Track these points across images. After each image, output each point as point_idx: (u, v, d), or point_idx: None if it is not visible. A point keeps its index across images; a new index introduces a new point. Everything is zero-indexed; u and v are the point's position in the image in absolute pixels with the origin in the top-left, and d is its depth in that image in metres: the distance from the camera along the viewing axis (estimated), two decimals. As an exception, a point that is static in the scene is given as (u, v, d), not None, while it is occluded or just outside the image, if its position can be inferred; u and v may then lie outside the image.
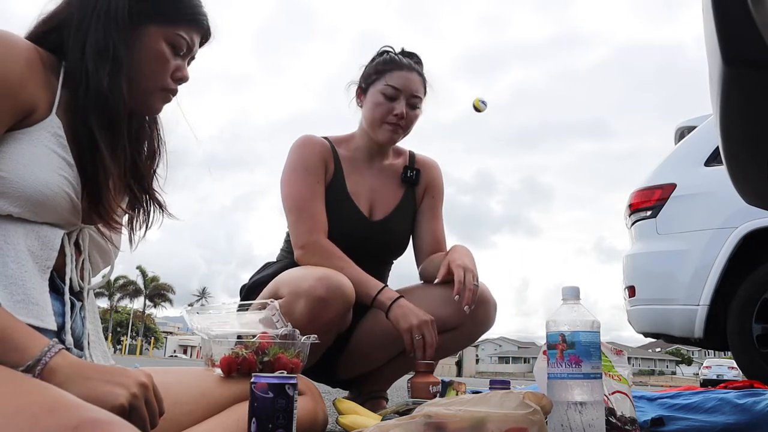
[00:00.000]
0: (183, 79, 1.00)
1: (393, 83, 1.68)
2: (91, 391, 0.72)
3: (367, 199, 1.76)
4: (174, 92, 1.00)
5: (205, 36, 1.02)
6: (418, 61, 1.78)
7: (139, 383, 0.76)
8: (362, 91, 1.75)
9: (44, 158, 0.84)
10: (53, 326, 0.86)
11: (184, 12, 0.97)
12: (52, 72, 0.90)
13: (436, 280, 1.59)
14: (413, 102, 1.70)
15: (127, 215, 1.02)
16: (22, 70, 0.83)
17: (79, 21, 0.92)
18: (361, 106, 1.76)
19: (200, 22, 1.00)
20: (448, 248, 1.78)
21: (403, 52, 1.78)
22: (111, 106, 0.90)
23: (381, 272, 1.67)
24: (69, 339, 0.89)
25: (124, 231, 1.03)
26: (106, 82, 0.90)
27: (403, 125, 1.70)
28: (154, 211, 1.04)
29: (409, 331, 1.49)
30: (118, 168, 0.94)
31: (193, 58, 1.02)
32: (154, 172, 1.05)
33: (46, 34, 0.92)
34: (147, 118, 1.05)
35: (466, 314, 1.59)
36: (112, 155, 0.92)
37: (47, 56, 0.90)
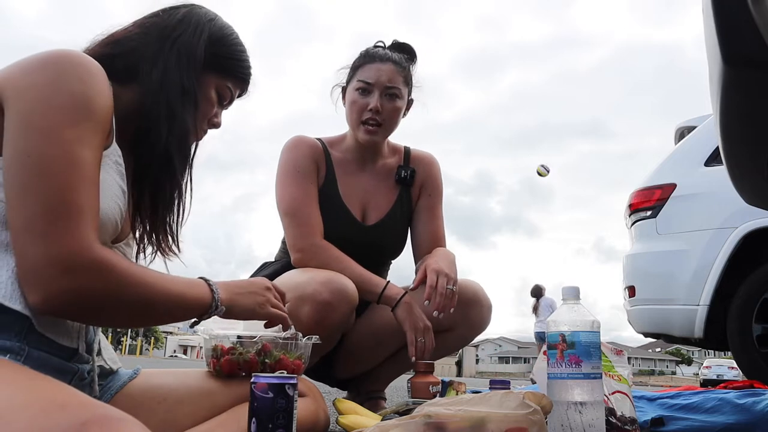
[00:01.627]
0: (216, 126, 1.04)
1: (364, 78, 1.63)
2: (248, 305, 1.00)
3: (360, 202, 1.72)
4: (203, 135, 1.04)
5: (242, 92, 1.08)
6: (405, 51, 1.70)
7: (265, 288, 1.05)
8: (342, 91, 1.72)
9: (108, 184, 0.86)
10: (78, 346, 0.88)
11: (240, 69, 1.03)
12: None
13: (411, 286, 1.55)
14: (391, 92, 1.63)
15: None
16: (106, 98, 0.83)
17: (155, 53, 0.93)
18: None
19: (247, 81, 1.06)
20: (447, 248, 1.77)
21: (394, 45, 1.72)
22: (189, 143, 0.97)
23: (379, 273, 1.65)
24: (82, 345, 0.89)
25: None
26: (190, 121, 0.94)
27: (380, 120, 1.63)
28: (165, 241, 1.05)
29: (413, 331, 1.50)
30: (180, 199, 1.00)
31: (226, 108, 1.07)
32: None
33: (114, 58, 0.92)
34: None
35: (459, 316, 1.59)
36: (182, 188, 0.98)
37: None
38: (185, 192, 0.99)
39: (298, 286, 1.45)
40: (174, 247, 1.01)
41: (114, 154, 0.88)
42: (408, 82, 1.68)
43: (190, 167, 1.00)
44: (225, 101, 1.04)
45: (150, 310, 0.85)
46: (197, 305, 0.92)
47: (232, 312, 0.98)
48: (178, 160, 0.94)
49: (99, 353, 0.97)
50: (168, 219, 0.98)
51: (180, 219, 1.01)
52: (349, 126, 1.70)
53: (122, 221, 0.90)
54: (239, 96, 1.07)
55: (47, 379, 0.69)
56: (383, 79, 1.62)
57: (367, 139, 1.66)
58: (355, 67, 1.67)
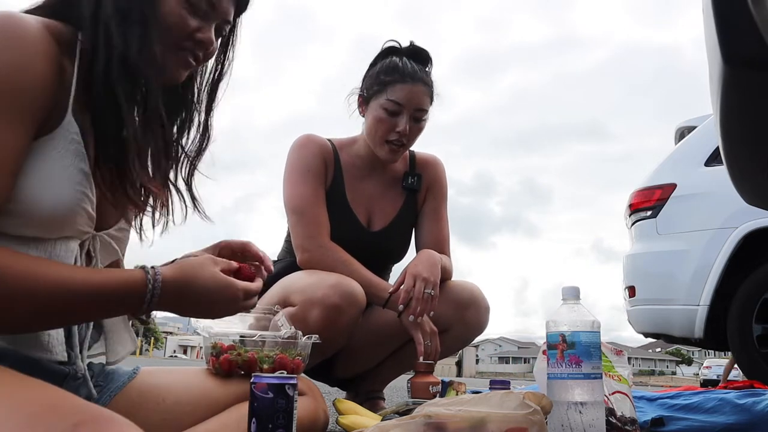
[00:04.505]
0: (204, 43, 0.86)
1: (395, 98, 1.59)
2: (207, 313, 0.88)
3: (366, 208, 1.72)
4: (193, 54, 0.87)
5: (239, 4, 0.91)
6: (426, 61, 1.68)
7: (234, 297, 0.87)
8: (364, 100, 1.67)
9: (61, 172, 0.76)
10: (63, 357, 0.83)
11: None
12: (68, 55, 0.79)
13: (390, 289, 1.54)
14: (417, 116, 1.62)
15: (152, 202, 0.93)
16: (39, 67, 0.73)
17: None
18: (363, 116, 1.69)
19: None
20: (449, 249, 1.77)
21: (411, 50, 1.68)
22: (143, 73, 0.81)
23: (381, 276, 1.64)
24: (62, 354, 0.85)
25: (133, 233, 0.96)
26: (135, 47, 0.79)
27: (405, 142, 1.63)
28: (182, 203, 0.94)
29: (421, 334, 1.50)
30: (153, 146, 0.85)
31: (225, 25, 0.90)
32: (189, 154, 0.94)
33: (60, 11, 0.80)
34: (185, 89, 0.95)
35: (456, 317, 1.60)
36: (144, 132, 0.82)
37: (60, 34, 0.78)
38: (157, 139, 0.85)
39: (307, 288, 1.45)
40: (142, 202, 0.86)
41: (69, 132, 0.77)
42: (432, 99, 1.67)
43: (190, 101, 0.89)
44: (200, 11, 0.85)
45: (53, 305, 0.72)
46: (124, 293, 0.77)
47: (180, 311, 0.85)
48: (125, 101, 0.79)
49: (96, 350, 0.94)
50: (131, 173, 0.81)
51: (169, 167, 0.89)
52: (369, 138, 1.67)
53: (93, 207, 0.82)
54: (240, 12, 0.91)
55: (37, 383, 0.67)
56: (414, 101, 1.60)
57: (388, 158, 1.66)
58: (384, 83, 1.61)
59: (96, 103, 0.79)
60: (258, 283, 0.91)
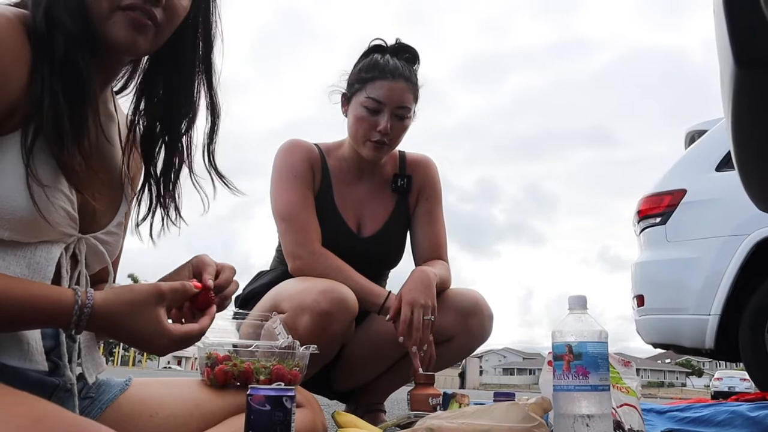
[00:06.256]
0: None
1: (374, 95, 1.55)
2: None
3: (356, 213, 1.69)
4: (144, 11, 0.78)
5: None
6: (410, 59, 1.64)
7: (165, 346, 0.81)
8: (346, 99, 1.65)
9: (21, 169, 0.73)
10: (44, 366, 0.81)
11: None
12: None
13: (387, 318, 1.50)
14: (400, 113, 1.57)
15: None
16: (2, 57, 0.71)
17: None
18: (346, 116, 1.66)
19: None
20: (448, 251, 1.74)
21: (395, 48, 1.64)
22: (75, 37, 0.76)
23: (377, 283, 1.61)
24: (43, 363, 0.82)
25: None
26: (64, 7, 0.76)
27: (388, 140, 1.58)
28: (166, 203, 0.93)
29: (414, 342, 1.47)
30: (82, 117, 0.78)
31: None
32: (205, 138, 0.91)
33: None
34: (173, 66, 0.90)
35: (459, 326, 1.57)
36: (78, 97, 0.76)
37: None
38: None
39: (297, 295, 1.42)
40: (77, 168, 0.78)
41: None
42: (417, 97, 1.63)
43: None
44: None
45: None
46: (50, 315, 0.74)
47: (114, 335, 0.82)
48: (81, 60, 0.75)
49: (79, 361, 0.90)
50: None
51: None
52: (351, 138, 1.65)
53: (73, 207, 0.80)
54: None
55: (24, 395, 0.66)
56: (395, 98, 1.56)
57: (372, 156, 1.62)
58: (364, 80, 1.58)
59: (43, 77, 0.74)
60: (204, 322, 0.85)
